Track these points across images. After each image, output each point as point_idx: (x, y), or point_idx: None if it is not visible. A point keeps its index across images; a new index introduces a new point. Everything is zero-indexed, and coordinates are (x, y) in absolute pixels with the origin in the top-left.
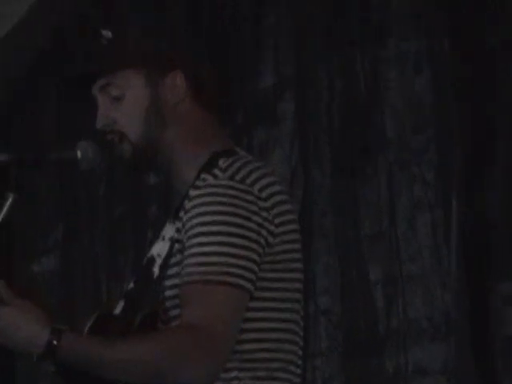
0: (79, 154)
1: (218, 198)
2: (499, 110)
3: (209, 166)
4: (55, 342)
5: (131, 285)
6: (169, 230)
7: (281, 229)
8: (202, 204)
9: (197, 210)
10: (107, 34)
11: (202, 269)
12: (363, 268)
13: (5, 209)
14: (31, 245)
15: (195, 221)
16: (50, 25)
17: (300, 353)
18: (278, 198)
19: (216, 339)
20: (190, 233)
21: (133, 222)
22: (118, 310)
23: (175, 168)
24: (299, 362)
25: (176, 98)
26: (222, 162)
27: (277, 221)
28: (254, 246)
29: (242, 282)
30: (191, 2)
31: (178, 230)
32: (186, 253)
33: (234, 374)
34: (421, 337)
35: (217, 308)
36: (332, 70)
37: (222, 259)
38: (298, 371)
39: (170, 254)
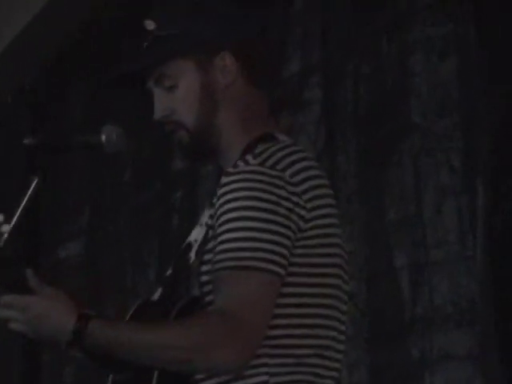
0: (104, 137)
1: (246, 184)
2: None
3: (246, 152)
4: (82, 329)
5: (169, 271)
6: (205, 216)
7: (314, 213)
8: (231, 191)
9: (226, 197)
10: (150, 24)
11: (231, 255)
12: (389, 254)
13: (29, 192)
14: (57, 230)
15: (224, 207)
16: (80, 13)
17: (340, 337)
18: (312, 182)
19: (246, 325)
20: (220, 220)
21: (158, 208)
22: (156, 297)
23: (222, 152)
24: (338, 347)
25: (227, 80)
26: (262, 146)
27: (309, 205)
28: (283, 230)
29: (271, 266)
30: None
31: (211, 217)
32: (218, 240)
33: (263, 360)
34: (446, 323)
35: (247, 294)
36: (358, 56)
37: (251, 244)
38: (337, 356)
39: (205, 240)
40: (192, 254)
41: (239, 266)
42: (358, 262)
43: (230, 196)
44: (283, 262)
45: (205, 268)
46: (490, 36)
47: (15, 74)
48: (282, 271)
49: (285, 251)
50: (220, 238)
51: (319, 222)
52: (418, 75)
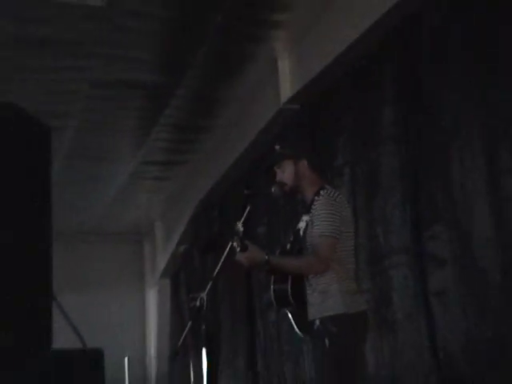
0: (273, 189)
1: (324, 205)
2: None
3: (318, 192)
4: (268, 259)
5: (291, 237)
6: (305, 217)
7: (343, 215)
8: (320, 207)
9: (317, 209)
10: (277, 147)
11: (321, 231)
12: None
13: (244, 214)
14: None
15: (316, 213)
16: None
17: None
18: (345, 204)
19: (325, 258)
20: (315, 219)
21: (290, 214)
22: (287, 247)
23: (304, 193)
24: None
25: (304, 171)
26: (323, 191)
27: (343, 214)
28: (338, 225)
29: (336, 235)
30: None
31: (310, 216)
32: (314, 227)
33: (333, 267)
34: None
35: (326, 246)
36: None
37: (329, 228)
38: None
39: (307, 227)
40: (301, 232)
41: (324, 235)
42: None
43: (318, 210)
44: (338, 235)
45: (307, 238)
46: None
47: None
48: (338, 237)
49: (338, 231)
50: (316, 226)
51: (344, 219)
52: None
